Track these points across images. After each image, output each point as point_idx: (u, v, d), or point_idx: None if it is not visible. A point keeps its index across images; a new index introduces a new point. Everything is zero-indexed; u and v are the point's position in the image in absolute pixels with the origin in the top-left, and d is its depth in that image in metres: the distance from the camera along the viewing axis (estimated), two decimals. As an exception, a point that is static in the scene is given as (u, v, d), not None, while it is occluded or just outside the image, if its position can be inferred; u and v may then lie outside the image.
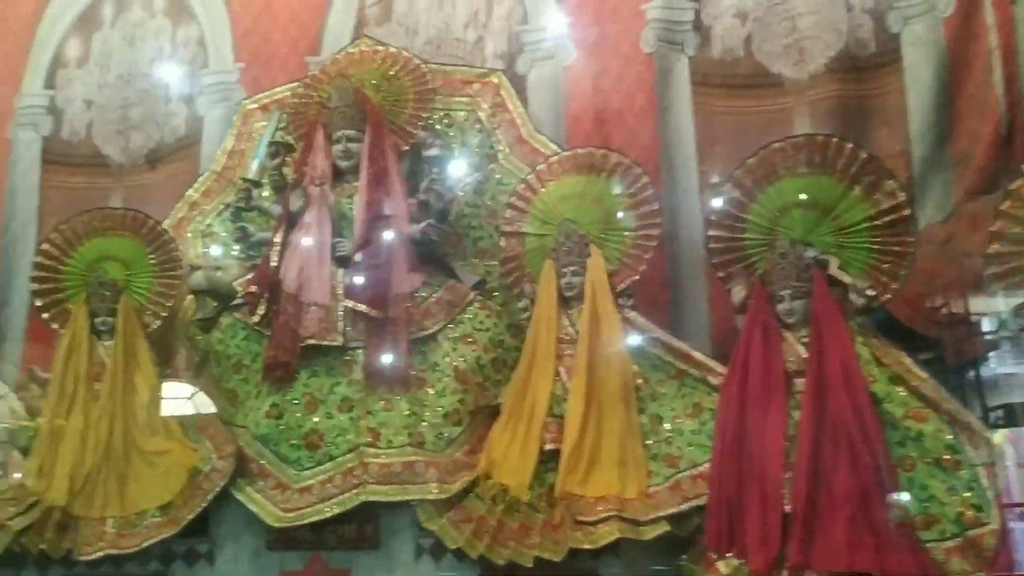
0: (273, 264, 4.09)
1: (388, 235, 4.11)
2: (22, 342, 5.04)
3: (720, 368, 3.52)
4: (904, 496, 2.99)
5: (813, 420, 3.10)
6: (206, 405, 4.13)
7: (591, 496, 3.45)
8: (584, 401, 3.61)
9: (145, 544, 3.76)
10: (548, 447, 3.60)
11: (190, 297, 4.53)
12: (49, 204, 5.28)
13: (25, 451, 4.10)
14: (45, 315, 4.34)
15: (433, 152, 4.19)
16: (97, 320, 4.26)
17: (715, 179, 4.47)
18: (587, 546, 3.33)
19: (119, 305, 4.26)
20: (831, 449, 3.06)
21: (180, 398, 4.17)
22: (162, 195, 5.00)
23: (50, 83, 5.43)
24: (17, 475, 4.06)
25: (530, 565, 3.37)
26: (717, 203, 3.65)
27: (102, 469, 3.95)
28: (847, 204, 3.45)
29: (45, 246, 4.37)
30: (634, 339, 3.74)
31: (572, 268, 3.90)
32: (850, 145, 3.46)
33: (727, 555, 3.14)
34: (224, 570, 3.84)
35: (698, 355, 3.64)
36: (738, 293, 3.53)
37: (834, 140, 3.50)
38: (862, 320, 3.34)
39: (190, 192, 4.80)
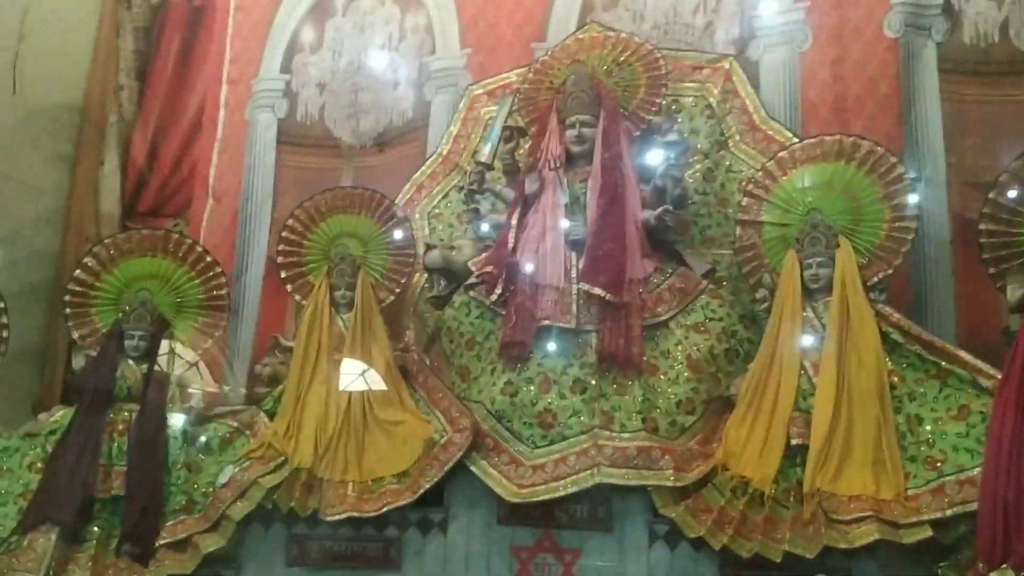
0: (510, 245, 4.18)
1: (622, 220, 4.10)
2: (257, 309, 5.35)
3: (992, 369, 3.33)
4: None
5: (1110, 428, 2.89)
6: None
7: (843, 494, 3.35)
8: (834, 397, 3.50)
9: (384, 509, 3.91)
10: (794, 442, 3.52)
11: (418, 275, 4.72)
12: (283, 183, 5.57)
13: (271, 414, 4.34)
14: (289, 286, 4.58)
15: (671, 138, 4.14)
16: (336, 293, 4.45)
17: (966, 172, 4.27)
18: (843, 545, 3.23)
19: (357, 280, 4.45)
20: None
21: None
22: (389, 177, 5.17)
23: (286, 68, 5.71)
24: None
25: (779, 560, 3.30)
26: (992, 196, 3.44)
27: (342, 435, 4.12)
28: None
29: (290, 222, 4.60)
30: (889, 335, 3.59)
31: (818, 259, 3.79)
32: None
33: (1002, 566, 2.96)
34: (456, 540, 3.94)
35: (965, 355, 3.45)
36: (1014, 292, 3.32)
37: None
38: None
39: (416, 175, 4.97)
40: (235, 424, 4.32)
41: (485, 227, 4.50)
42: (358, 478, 4.06)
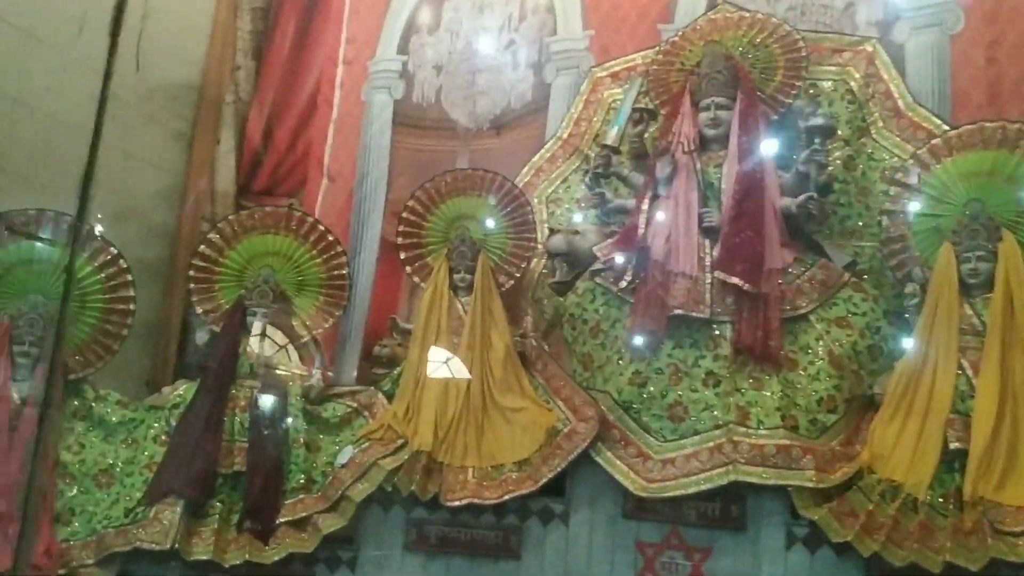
0: (640, 231, 4.04)
1: (760, 207, 3.92)
2: (370, 291, 5.29)
3: None
4: None
5: None
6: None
7: (1009, 504, 3.12)
8: (997, 399, 3.29)
9: (506, 497, 3.81)
10: (953, 446, 3.30)
11: (535, 260, 4.60)
12: (398, 165, 5.50)
13: (389, 396, 4.29)
14: (408, 268, 4.53)
15: (816, 122, 3.93)
16: (456, 276, 4.37)
17: None
18: (1012, 559, 3.02)
19: (477, 263, 4.36)
20: None
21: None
22: (506, 160, 5.05)
23: (403, 49, 5.64)
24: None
25: (937, 571, 3.10)
26: None
27: (462, 420, 4.04)
28: None
29: (411, 203, 4.53)
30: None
31: (978, 253, 3.57)
32: None
33: None
34: (578, 533, 3.82)
35: None
36: None
37: None
38: None
39: (535, 158, 4.87)
40: (354, 404, 4.28)
41: (609, 212, 4.37)
42: (478, 464, 3.98)
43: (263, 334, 4.37)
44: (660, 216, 4.04)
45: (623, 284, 3.99)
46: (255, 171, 5.83)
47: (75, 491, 3.98)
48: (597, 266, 4.18)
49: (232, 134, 5.92)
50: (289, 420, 4.14)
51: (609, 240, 4.24)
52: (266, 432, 4.07)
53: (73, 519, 3.94)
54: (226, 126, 5.92)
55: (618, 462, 3.77)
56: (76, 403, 4.18)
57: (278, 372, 4.32)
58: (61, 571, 3.77)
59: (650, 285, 3.91)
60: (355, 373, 5.13)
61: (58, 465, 4.00)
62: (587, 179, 4.47)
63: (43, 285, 4.17)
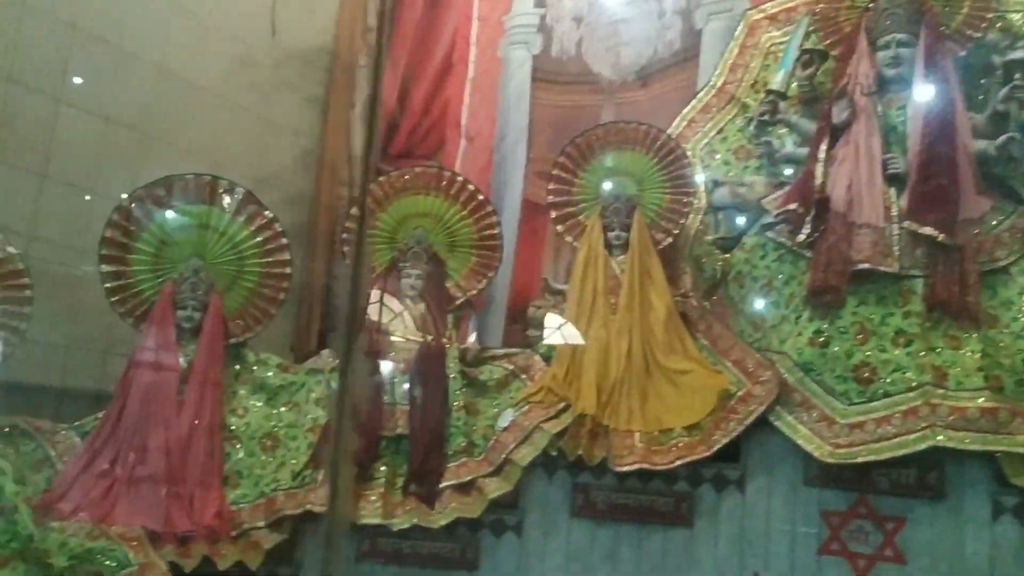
0: (818, 180, 3.78)
1: (952, 151, 3.61)
2: (514, 251, 5.14)
3: None
4: None
5: None
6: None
7: None
8: None
9: (677, 463, 3.67)
10: None
11: (692, 215, 4.38)
12: (538, 122, 5.34)
13: (545, 358, 4.16)
14: (560, 227, 4.38)
15: (1018, 55, 3.60)
16: (610, 234, 4.21)
17: None
18: None
19: (633, 220, 4.18)
20: None
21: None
22: (653, 112, 4.83)
23: (540, 2, 5.47)
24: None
25: None
26: None
27: (624, 382, 3.90)
28: None
29: (561, 159, 4.37)
30: None
31: None
32: None
33: None
34: (755, 500, 3.65)
35: None
36: None
37: None
38: None
39: (687, 109, 4.62)
40: (510, 367, 4.17)
41: (777, 162, 4.12)
42: (643, 428, 3.83)
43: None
44: (839, 164, 3.78)
45: (800, 238, 3.75)
46: (392, 134, 5.74)
47: (241, 454, 3.99)
48: (768, 219, 3.96)
49: (367, 97, 5.83)
50: (448, 383, 4.06)
51: (780, 191, 4.01)
52: (426, 395, 4.00)
53: (240, 482, 3.95)
54: (360, 89, 5.83)
55: (800, 427, 3.57)
56: (238, 367, 4.18)
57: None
58: (233, 533, 3.80)
59: (831, 238, 3.67)
60: (501, 335, 5.03)
61: (224, 428, 4.02)
62: (752, 127, 4.23)
63: (203, 249, 4.18)
